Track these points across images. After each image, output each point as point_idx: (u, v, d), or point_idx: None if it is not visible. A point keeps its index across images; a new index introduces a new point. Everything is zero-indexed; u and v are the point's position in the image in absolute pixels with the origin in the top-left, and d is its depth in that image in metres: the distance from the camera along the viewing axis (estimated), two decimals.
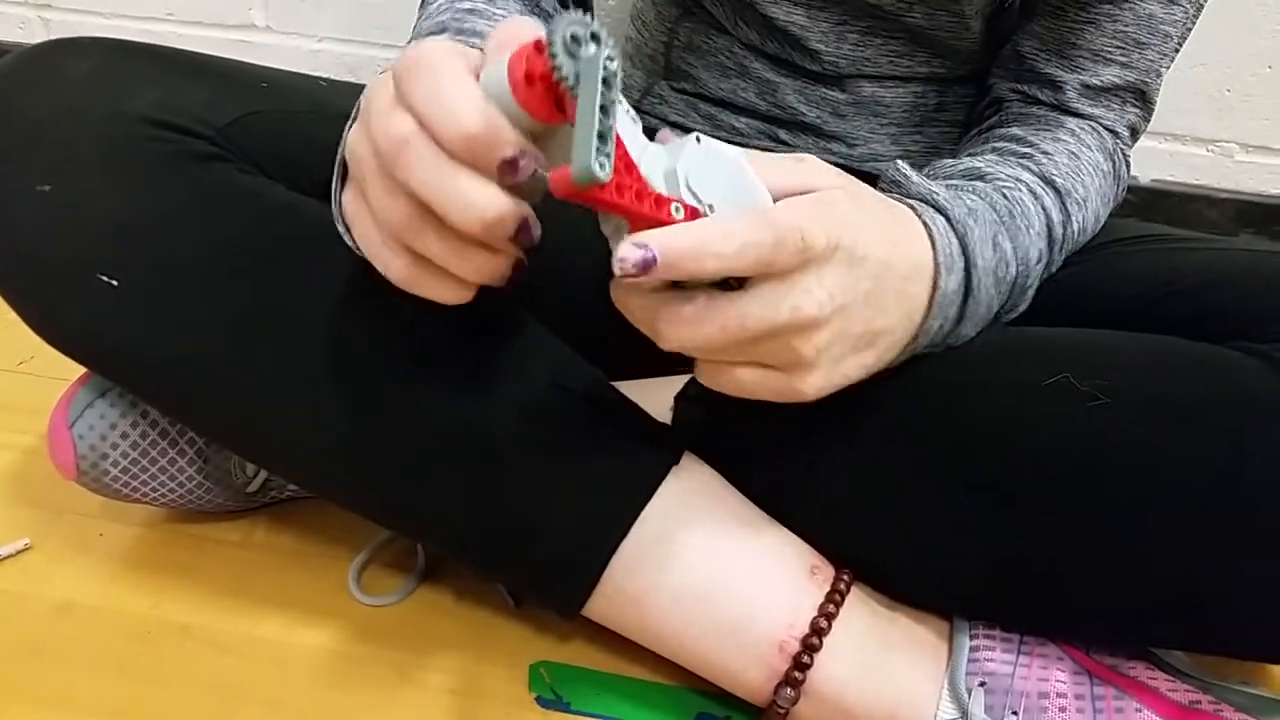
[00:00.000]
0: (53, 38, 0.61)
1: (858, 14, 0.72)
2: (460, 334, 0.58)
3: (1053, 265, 0.63)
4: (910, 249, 0.52)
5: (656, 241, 0.41)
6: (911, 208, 0.54)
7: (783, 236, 0.43)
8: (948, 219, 0.54)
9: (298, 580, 0.72)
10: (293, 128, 0.61)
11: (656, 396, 0.65)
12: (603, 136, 0.38)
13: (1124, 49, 0.67)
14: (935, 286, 0.52)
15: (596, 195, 0.39)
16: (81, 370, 0.67)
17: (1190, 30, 0.68)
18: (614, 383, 0.63)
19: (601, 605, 0.60)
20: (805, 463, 0.61)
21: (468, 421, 0.58)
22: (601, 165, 0.38)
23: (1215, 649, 0.59)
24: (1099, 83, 0.68)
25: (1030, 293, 0.61)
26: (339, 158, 0.50)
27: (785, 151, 0.78)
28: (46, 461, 0.68)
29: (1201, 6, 0.67)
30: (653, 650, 0.62)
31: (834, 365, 0.49)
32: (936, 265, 0.52)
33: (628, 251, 0.40)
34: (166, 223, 0.57)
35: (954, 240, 0.54)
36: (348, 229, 0.49)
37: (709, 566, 0.59)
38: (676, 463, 0.61)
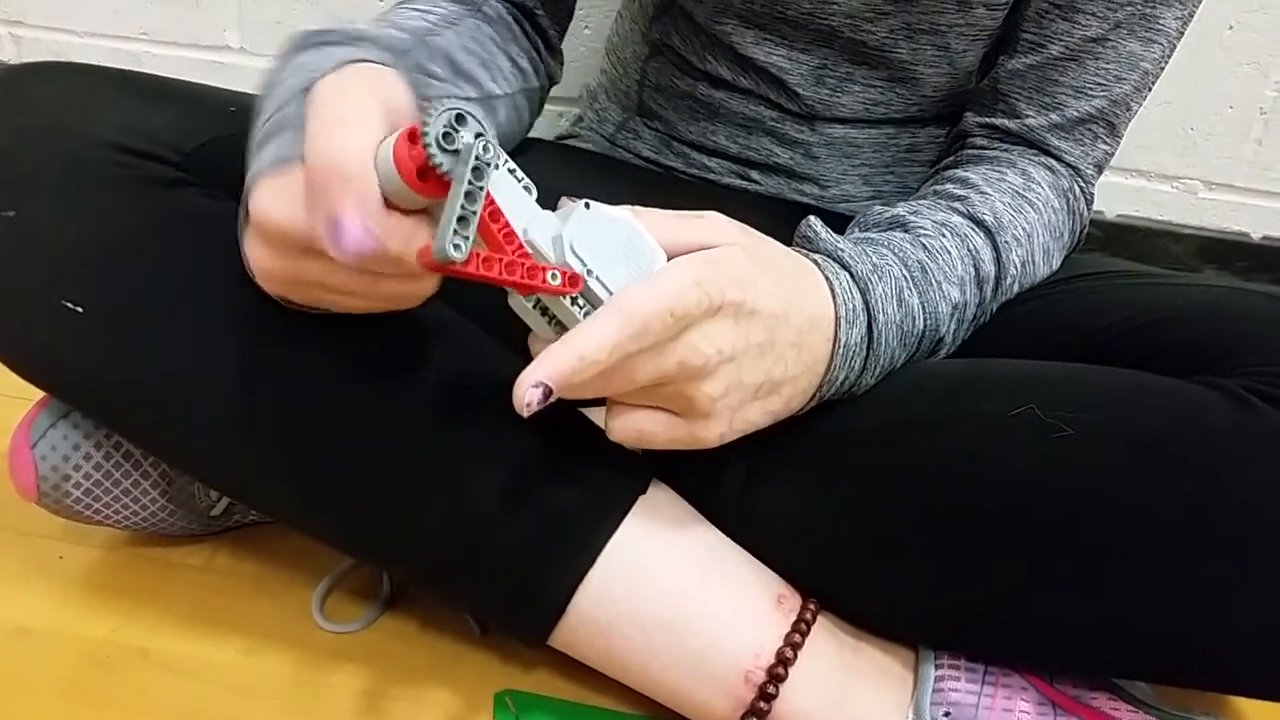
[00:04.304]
0: (24, 55, 0.61)
1: (839, 57, 0.72)
2: (426, 362, 0.58)
3: (989, 300, 0.64)
4: (809, 303, 0.54)
5: (546, 374, 0.45)
6: (817, 263, 0.56)
7: (647, 324, 0.46)
8: (851, 275, 0.57)
9: (260, 606, 0.71)
10: None
11: None
12: (463, 220, 0.42)
13: (1104, 85, 0.68)
14: (836, 339, 0.55)
15: (459, 270, 0.43)
16: None
17: (1164, 68, 0.69)
18: (582, 409, 0.63)
19: (567, 635, 0.60)
20: (773, 494, 0.61)
21: (432, 450, 0.58)
22: (457, 246, 0.42)
23: (1181, 681, 0.59)
24: (1075, 115, 0.69)
25: (952, 337, 0.62)
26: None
27: (757, 192, 0.79)
28: (6, 482, 0.67)
29: (1175, 46, 0.68)
30: (618, 680, 0.62)
31: (734, 413, 0.52)
32: (837, 319, 0.55)
33: (530, 396, 0.45)
34: (130, 248, 0.56)
35: (856, 295, 0.56)
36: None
37: (675, 596, 0.59)
38: (644, 492, 0.61)
